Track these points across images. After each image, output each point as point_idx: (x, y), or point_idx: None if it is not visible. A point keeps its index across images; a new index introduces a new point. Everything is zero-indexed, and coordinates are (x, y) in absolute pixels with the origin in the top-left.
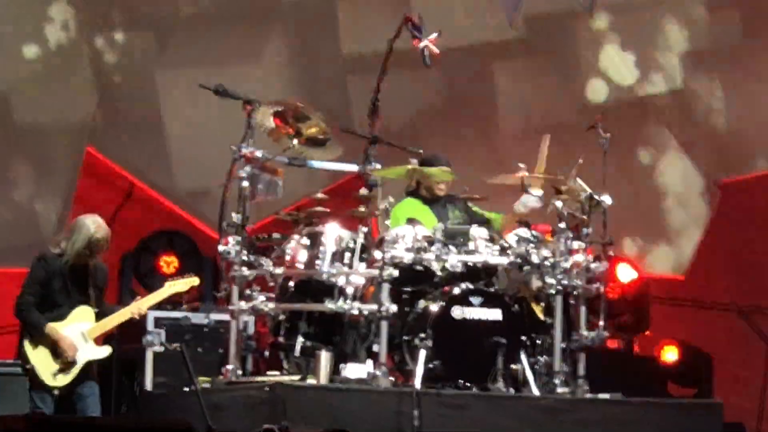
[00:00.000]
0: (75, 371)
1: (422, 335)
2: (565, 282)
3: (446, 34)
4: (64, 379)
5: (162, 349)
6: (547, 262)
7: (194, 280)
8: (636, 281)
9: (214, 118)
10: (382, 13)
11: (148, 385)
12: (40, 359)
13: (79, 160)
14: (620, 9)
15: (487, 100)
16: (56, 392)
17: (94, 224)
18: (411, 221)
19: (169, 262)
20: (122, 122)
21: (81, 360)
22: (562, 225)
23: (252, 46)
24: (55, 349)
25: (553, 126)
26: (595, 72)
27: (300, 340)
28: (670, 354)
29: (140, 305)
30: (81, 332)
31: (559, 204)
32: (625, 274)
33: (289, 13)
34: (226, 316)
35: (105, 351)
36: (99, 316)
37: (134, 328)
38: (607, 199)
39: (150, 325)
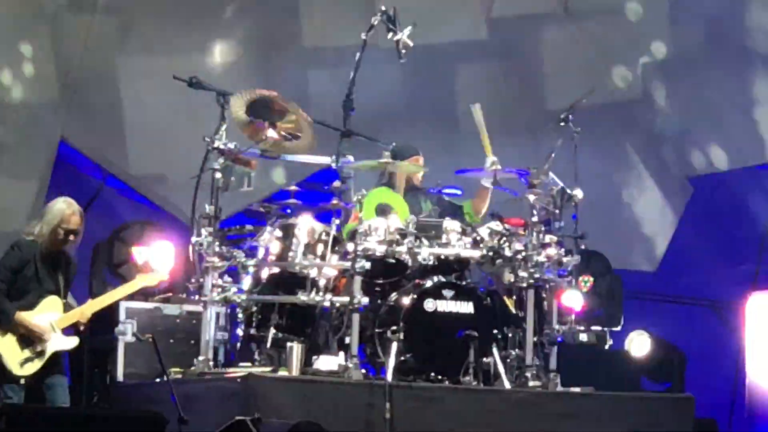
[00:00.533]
0: (43, 361)
1: (394, 328)
2: (537, 275)
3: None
4: (31, 368)
5: (133, 339)
6: (519, 256)
7: (163, 275)
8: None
9: (176, 104)
10: (345, 7)
11: (120, 375)
12: (8, 348)
13: (52, 150)
14: (584, 14)
15: (448, 98)
16: (23, 381)
17: (65, 203)
18: (382, 207)
19: (141, 253)
20: (85, 108)
21: (49, 350)
22: (535, 218)
23: (214, 36)
24: (23, 338)
25: (517, 127)
26: (559, 75)
27: (272, 331)
28: (642, 348)
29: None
30: (50, 322)
31: (531, 198)
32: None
33: (253, 4)
34: (198, 307)
35: (72, 342)
36: (65, 308)
37: (106, 318)
38: (579, 194)
39: (122, 316)
